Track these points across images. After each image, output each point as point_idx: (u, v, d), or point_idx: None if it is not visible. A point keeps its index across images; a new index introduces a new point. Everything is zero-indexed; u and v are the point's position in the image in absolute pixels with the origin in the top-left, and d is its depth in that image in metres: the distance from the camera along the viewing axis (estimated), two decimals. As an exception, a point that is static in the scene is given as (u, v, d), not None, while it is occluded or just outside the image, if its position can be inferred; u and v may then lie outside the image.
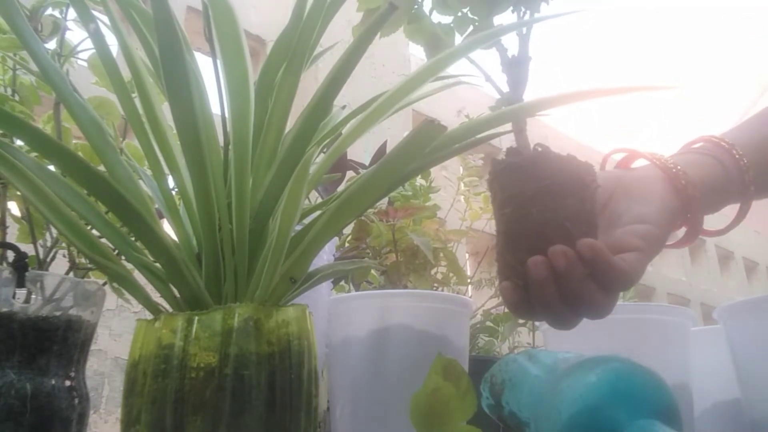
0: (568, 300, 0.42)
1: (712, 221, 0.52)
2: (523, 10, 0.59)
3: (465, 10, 0.61)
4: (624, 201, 0.48)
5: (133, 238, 0.48)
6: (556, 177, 0.43)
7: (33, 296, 0.53)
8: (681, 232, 0.53)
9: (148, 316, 0.44)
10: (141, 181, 0.51)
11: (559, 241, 0.42)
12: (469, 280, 1.05)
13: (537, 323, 0.96)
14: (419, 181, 0.96)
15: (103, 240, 0.47)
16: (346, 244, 0.87)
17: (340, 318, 0.68)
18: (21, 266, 0.52)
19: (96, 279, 0.63)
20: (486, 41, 0.50)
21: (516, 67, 0.56)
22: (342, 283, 0.87)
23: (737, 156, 0.51)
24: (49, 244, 0.62)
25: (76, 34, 0.66)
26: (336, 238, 0.86)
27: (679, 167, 0.49)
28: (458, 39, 0.63)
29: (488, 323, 1.01)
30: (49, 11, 0.63)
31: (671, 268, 2.62)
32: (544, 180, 0.43)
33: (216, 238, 0.43)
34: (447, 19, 0.65)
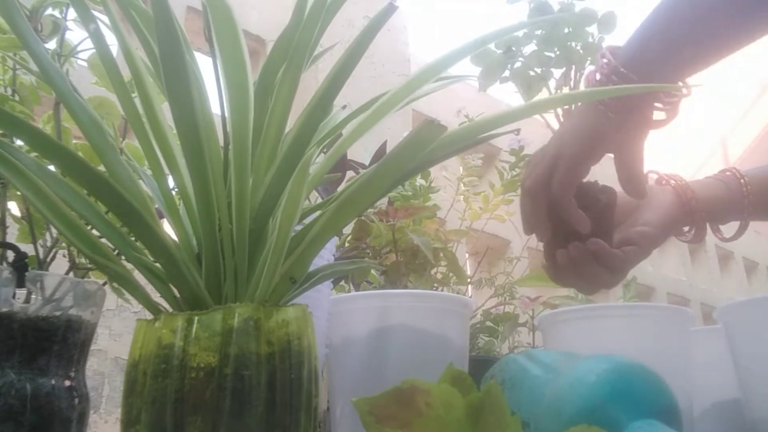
0: (584, 277, 0.62)
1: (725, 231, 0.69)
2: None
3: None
4: (643, 209, 0.65)
5: (133, 238, 0.47)
6: (577, 196, 0.60)
7: (33, 296, 0.52)
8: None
9: (148, 316, 0.44)
10: (141, 181, 0.51)
11: (577, 239, 0.60)
12: (469, 280, 1.05)
13: (536, 323, 0.99)
14: (419, 181, 0.96)
15: (103, 240, 0.47)
16: (346, 244, 0.87)
17: (340, 318, 0.68)
18: (21, 266, 0.52)
19: (96, 279, 0.63)
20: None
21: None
22: (342, 283, 0.87)
23: (743, 182, 0.67)
24: (49, 244, 0.62)
25: (76, 34, 0.66)
26: (336, 238, 0.86)
27: (689, 187, 0.66)
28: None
29: (488, 323, 1.01)
30: (49, 11, 0.63)
31: (671, 268, 2.61)
32: None
33: (216, 238, 0.43)
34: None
